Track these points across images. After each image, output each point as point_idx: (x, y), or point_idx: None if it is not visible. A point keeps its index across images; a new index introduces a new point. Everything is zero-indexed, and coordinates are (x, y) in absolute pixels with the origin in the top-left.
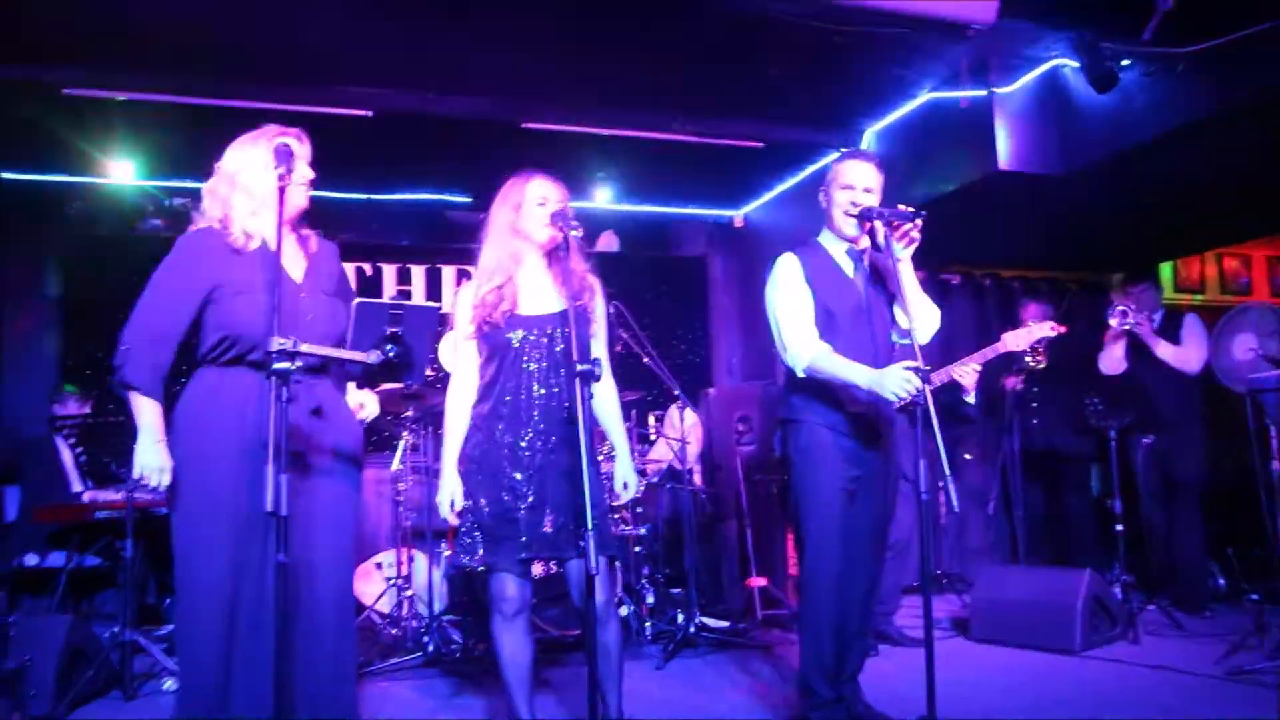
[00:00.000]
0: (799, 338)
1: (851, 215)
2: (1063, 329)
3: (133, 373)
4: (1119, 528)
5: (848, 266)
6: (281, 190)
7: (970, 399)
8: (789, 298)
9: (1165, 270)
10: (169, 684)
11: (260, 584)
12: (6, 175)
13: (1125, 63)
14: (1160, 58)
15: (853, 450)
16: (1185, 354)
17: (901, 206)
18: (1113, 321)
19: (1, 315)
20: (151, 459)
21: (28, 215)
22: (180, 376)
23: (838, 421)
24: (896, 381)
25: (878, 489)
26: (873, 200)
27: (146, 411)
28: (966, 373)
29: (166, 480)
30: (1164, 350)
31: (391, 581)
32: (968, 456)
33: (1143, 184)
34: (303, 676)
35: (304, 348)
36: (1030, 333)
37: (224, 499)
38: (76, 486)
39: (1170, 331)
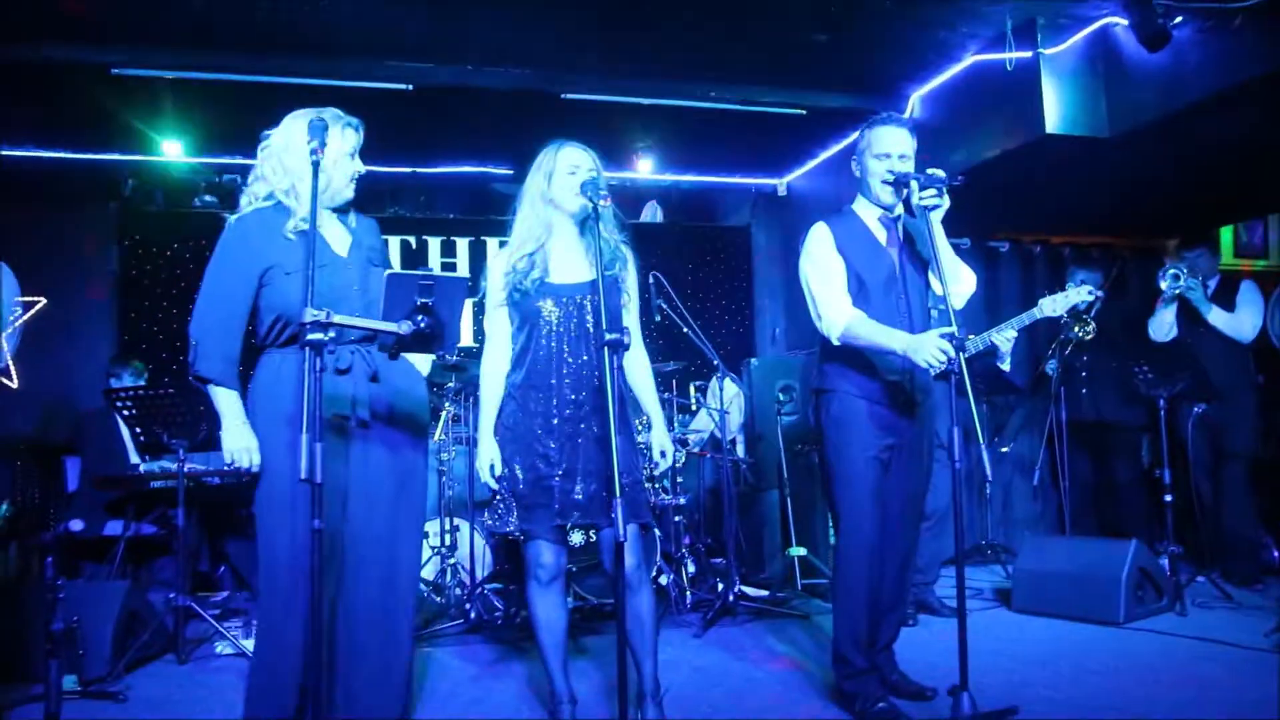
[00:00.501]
0: (833, 305)
1: (888, 183)
2: (1099, 294)
3: (205, 366)
4: (1168, 498)
5: (881, 234)
6: (315, 164)
7: (1005, 365)
8: (822, 266)
9: (1225, 235)
10: (221, 648)
11: (343, 552)
12: (62, 155)
13: (1177, 20)
14: (1215, 13)
15: (887, 419)
16: (1238, 321)
17: (932, 171)
18: (1163, 284)
19: (61, 291)
20: (238, 441)
21: (83, 194)
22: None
23: (872, 390)
24: (930, 349)
25: (913, 458)
26: (908, 166)
27: (225, 400)
28: (1004, 339)
29: (256, 460)
30: (1216, 317)
31: (435, 550)
32: (1005, 450)
33: (1198, 145)
34: (362, 640)
35: (337, 319)
36: (1067, 297)
37: (284, 473)
38: (134, 459)
39: (1225, 297)
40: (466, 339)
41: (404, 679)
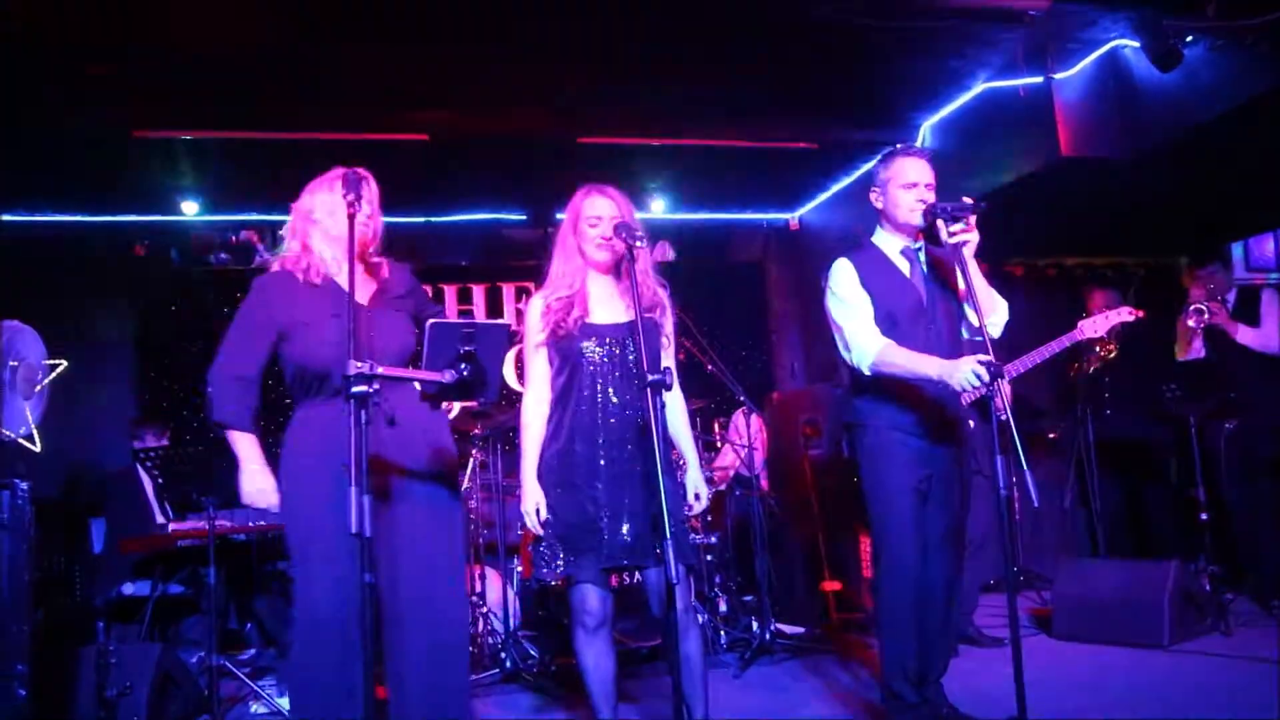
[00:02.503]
0: (862, 335)
1: (917, 212)
2: (1140, 313)
3: (220, 412)
4: (1204, 516)
5: (904, 266)
6: (351, 216)
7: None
8: (848, 301)
9: (1238, 249)
10: (256, 707)
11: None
12: (79, 218)
13: (1189, 39)
14: (1227, 31)
15: (921, 449)
16: (1266, 335)
17: (959, 204)
18: (1190, 323)
19: (80, 353)
20: (254, 483)
21: (101, 255)
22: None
23: (905, 423)
24: (965, 374)
25: (950, 487)
26: (932, 196)
27: (243, 444)
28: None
29: (274, 500)
30: (1245, 335)
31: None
32: (1051, 436)
33: (1211, 163)
34: (410, 692)
35: (380, 370)
36: (1107, 318)
37: (326, 526)
38: (160, 519)
39: (1247, 311)
40: None
41: None
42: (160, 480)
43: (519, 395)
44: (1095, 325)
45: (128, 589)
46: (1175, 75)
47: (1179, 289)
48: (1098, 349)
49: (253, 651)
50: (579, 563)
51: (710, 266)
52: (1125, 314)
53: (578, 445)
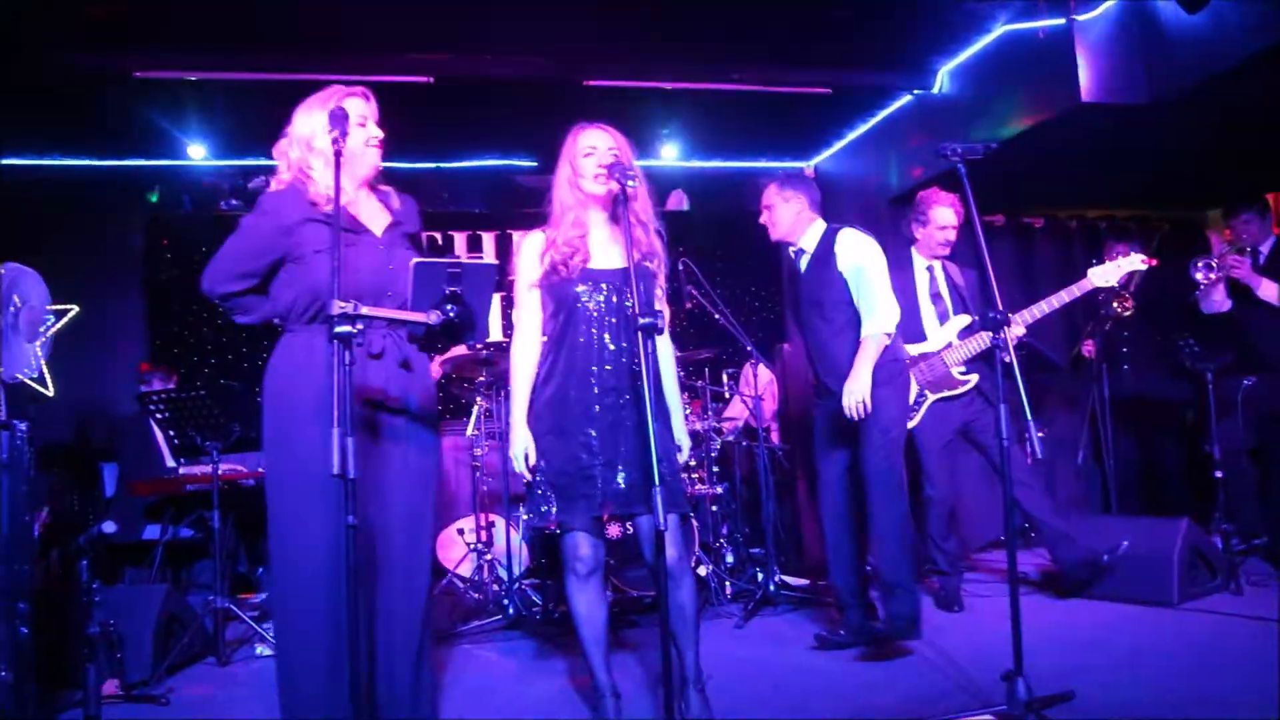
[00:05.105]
0: None
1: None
2: (1153, 261)
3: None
4: (1218, 474)
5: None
6: (337, 153)
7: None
8: None
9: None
10: (261, 649)
11: (373, 550)
12: (89, 162)
13: None
14: None
15: (823, 406)
16: None
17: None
18: (1198, 277)
19: (92, 298)
20: None
21: (110, 201)
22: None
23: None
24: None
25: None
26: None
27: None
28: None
29: None
30: (1267, 290)
31: (472, 546)
32: (1040, 435)
33: (1239, 110)
34: (385, 641)
35: (364, 310)
36: (1119, 266)
37: (311, 461)
38: (170, 463)
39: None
40: (496, 333)
41: (411, 678)
42: (169, 423)
43: None
44: (1105, 274)
45: (108, 528)
46: (1202, 18)
47: (1203, 242)
48: (1115, 305)
49: (263, 595)
50: (571, 510)
51: (723, 215)
52: (1136, 262)
53: (572, 391)
